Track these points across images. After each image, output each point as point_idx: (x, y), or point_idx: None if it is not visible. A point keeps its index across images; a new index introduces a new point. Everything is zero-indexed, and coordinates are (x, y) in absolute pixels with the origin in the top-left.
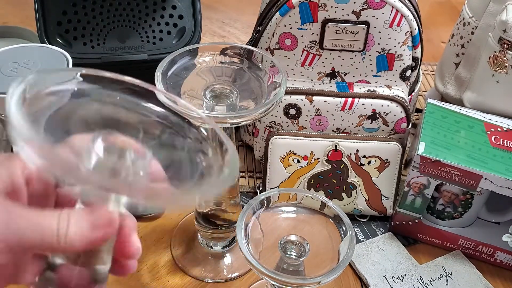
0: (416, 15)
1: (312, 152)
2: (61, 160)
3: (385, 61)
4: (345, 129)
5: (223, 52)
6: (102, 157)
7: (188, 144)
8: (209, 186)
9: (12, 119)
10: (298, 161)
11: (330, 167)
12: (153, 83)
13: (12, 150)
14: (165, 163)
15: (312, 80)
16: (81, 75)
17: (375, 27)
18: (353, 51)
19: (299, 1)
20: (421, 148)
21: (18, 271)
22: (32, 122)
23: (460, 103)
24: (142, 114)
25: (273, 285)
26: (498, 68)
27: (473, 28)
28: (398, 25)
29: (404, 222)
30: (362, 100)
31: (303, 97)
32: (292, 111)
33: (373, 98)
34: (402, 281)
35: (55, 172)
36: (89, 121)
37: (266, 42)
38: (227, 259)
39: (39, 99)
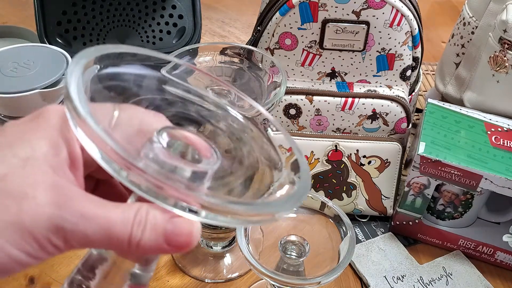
0: (416, 14)
1: (312, 152)
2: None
3: (385, 61)
4: (345, 129)
5: (223, 52)
6: (174, 161)
7: (256, 151)
8: (283, 203)
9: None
10: None
11: (330, 167)
12: None
13: None
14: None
15: (312, 80)
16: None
17: (375, 27)
18: (353, 51)
19: (299, 1)
20: (421, 148)
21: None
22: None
23: (460, 103)
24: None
25: (273, 285)
26: (498, 68)
27: (473, 28)
28: (398, 25)
29: (404, 222)
30: (362, 100)
31: (303, 97)
32: (292, 111)
33: (373, 98)
34: (402, 281)
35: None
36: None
37: (266, 42)
38: (227, 259)
39: (96, 80)
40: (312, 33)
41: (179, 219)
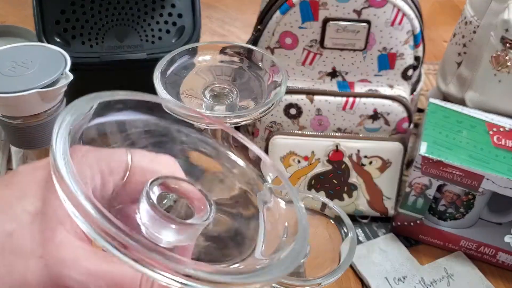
0: (417, 13)
1: (312, 152)
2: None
3: (387, 60)
4: (346, 129)
5: (222, 51)
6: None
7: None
8: (279, 268)
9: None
10: (299, 161)
11: (331, 167)
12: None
13: (10, 151)
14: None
15: (313, 79)
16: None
17: (376, 26)
18: (354, 50)
19: (300, 0)
20: (423, 148)
21: None
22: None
23: (462, 102)
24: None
25: (273, 286)
26: (500, 68)
27: (475, 27)
28: (399, 24)
29: (405, 223)
30: (363, 100)
31: (303, 96)
32: (293, 111)
33: (374, 98)
34: (404, 282)
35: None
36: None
37: (266, 41)
38: None
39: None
40: (313, 32)
41: None
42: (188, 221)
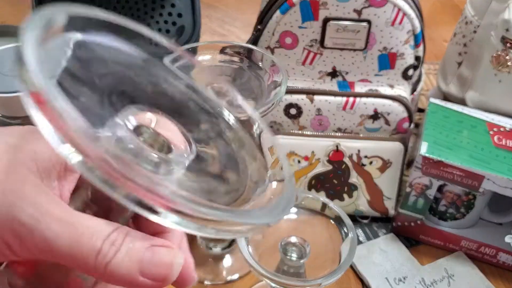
0: (418, 13)
1: (313, 152)
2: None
3: (387, 60)
4: (346, 129)
5: (222, 51)
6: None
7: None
8: (268, 212)
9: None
10: (299, 162)
11: (331, 167)
12: None
13: None
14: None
15: (313, 79)
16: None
17: (376, 26)
18: (355, 50)
19: None
20: (424, 148)
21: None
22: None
23: (462, 102)
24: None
25: (273, 287)
26: (500, 67)
27: (475, 27)
28: (400, 23)
29: (406, 223)
30: (363, 100)
31: (303, 96)
32: (293, 111)
33: (374, 98)
34: (404, 282)
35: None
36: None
37: (266, 40)
38: (227, 260)
39: (63, 45)
40: (313, 32)
41: (161, 249)
42: (168, 155)
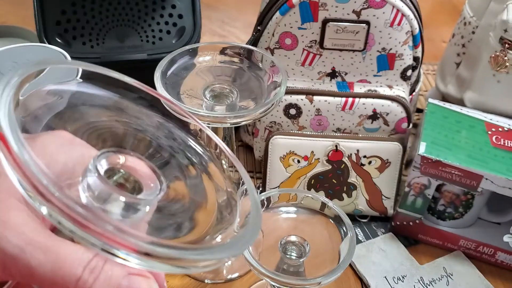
0: (416, 14)
1: (312, 152)
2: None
3: (386, 61)
4: (345, 129)
5: (223, 51)
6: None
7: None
8: (229, 248)
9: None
10: (298, 161)
11: (330, 167)
12: (152, 82)
13: None
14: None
15: (312, 79)
16: (82, 76)
17: (375, 27)
18: (354, 51)
19: (300, 0)
20: (422, 148)
21: None
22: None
23: (461, 103)
24: (151, 130)
25: (273, 285)
26: (499, 68)
27: (474, 28)
28: (398, 24)
29: (404, 223)
30: (362, 100)
31: (303, 96)
32: (292, 111)
33: (373, 98)
34: (403, 281)
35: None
36: (94, 132)
37: (266, 41)
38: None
39: (38, 97)
40: (312, 33)
41: (138, 278)
42: (138, 196)
